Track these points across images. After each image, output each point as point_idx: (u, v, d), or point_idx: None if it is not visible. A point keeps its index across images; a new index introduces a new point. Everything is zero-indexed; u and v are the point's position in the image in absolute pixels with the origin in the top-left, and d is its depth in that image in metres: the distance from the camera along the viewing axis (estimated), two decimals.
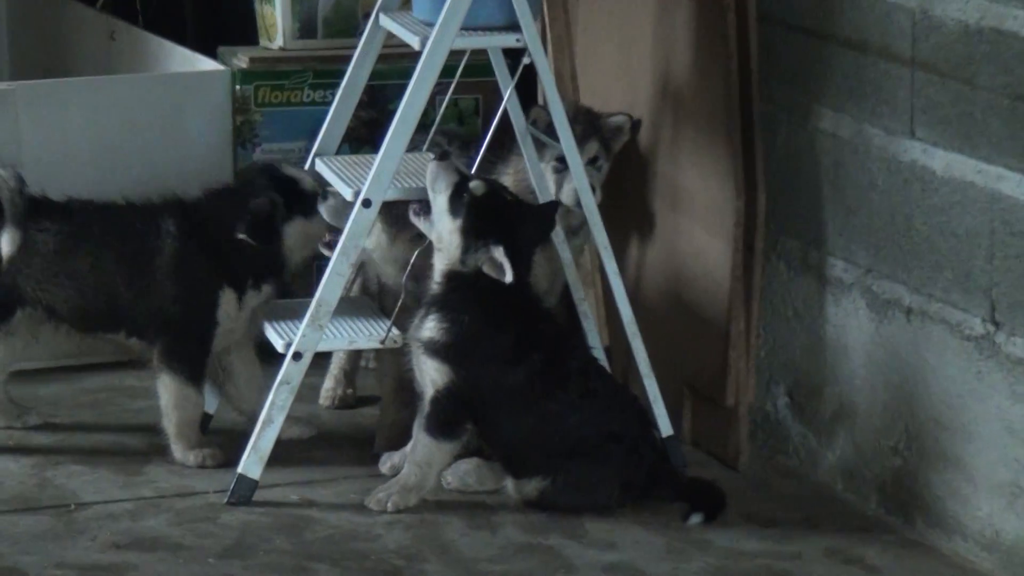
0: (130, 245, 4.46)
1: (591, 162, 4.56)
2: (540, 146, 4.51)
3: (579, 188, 4.47)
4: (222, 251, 4.42)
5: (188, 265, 4.43)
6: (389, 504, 4.18)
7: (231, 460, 4.38)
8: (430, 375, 4.11)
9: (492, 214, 4.11)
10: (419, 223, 4.20)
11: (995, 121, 3.98)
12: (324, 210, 4.36)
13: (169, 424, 4.41)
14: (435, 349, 4.09)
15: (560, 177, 4.54)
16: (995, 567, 4.05)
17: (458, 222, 4.07)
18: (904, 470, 4.22)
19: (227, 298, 4.39)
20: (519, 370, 4.12)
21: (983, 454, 4.10)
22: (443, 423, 4.12)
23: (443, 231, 4.09)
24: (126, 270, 4.42)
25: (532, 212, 4.28)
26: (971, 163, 4.04)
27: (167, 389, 4.40)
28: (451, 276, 4.12)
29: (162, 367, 4.43)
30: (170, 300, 4.41)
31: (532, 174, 4.63)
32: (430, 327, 4.10)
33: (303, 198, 4.41)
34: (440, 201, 4.08)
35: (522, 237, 4.17)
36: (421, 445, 4.16)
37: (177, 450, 4.40)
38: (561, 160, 4.46)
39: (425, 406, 4.16)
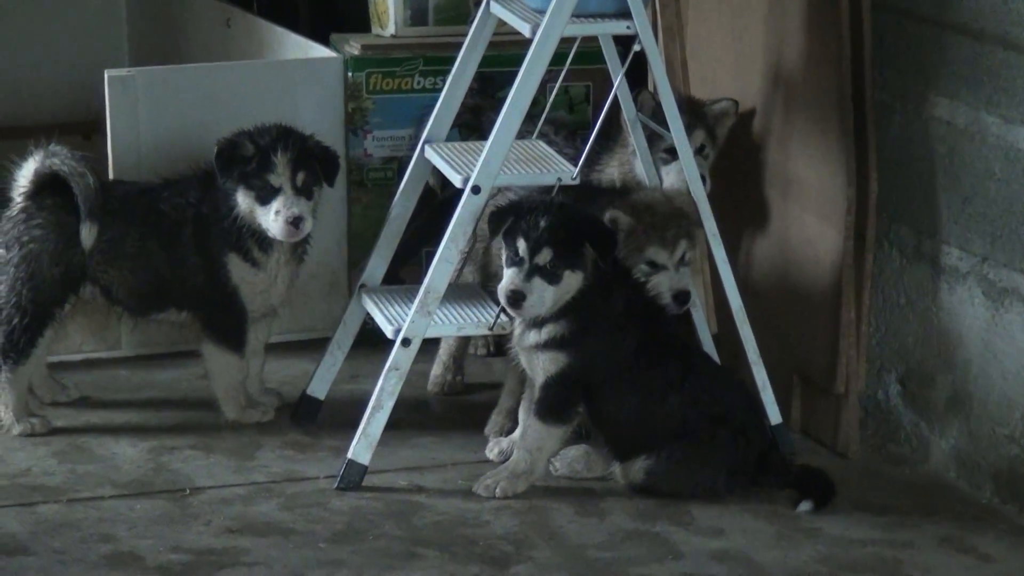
0: (166, 221, 4.53)
1: (698, 151, 4.54)
2: (649, 136, 4.52)
3: (689, 177, 4.42)
4: (222, 216, 4.44)
5: (201, 233, 4.49)
6: (498, 490, 4.14)
7: (282, 453, 4.42)
8: (543, 365, 4.07)
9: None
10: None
11: None
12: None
13: (217, 389, 4.50)
14: (550, 343, 4.07)
15: (668, 168, 4.55)
16: None
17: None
18: (1020, 458, 4.20)
19: (235, 262, 4.42)
20: (626, 343, 4.10)
21: None
22: (554, 408, 4.09)
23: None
24: (165, 246, 4.43)
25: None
26: None
27: (209, 356, 4.49)
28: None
29: (203, 335, 4.51)
30: (198, 270, 4.48)
31: (642, 162, 4.61)
32: (548, 330, 4.07)
33: (250, 168, 4.36)
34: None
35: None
36: (532, 431, 4.12)
37: (228, 412, 4.50)
38: (668, 151, 4.48)
39: (536, 392, 4.11)
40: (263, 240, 4.42)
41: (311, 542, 4.02)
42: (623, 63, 4.45)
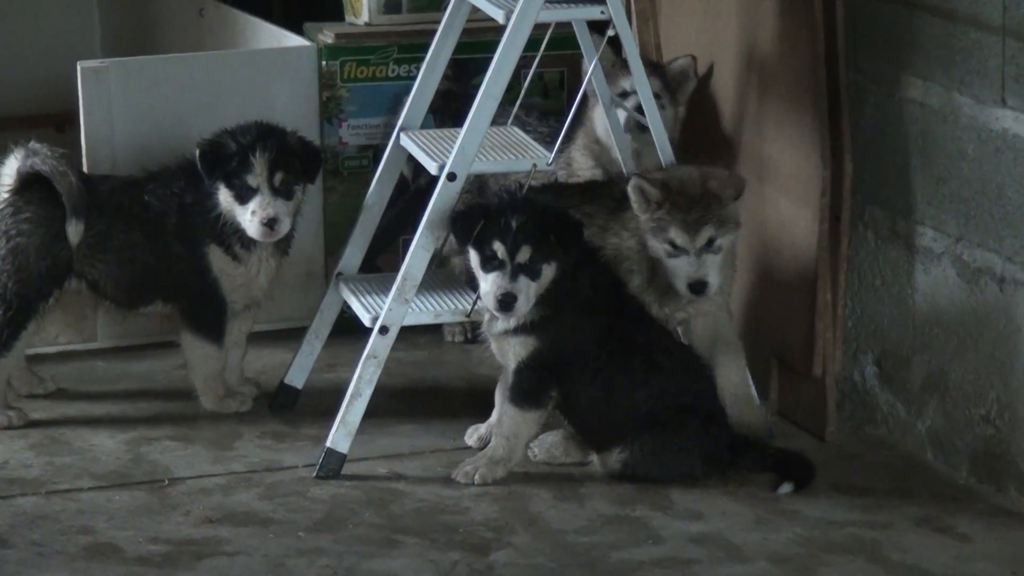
0: (151, 212, 4.53)
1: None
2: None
3: (664, 158, 4.43)
4: (206, 209, 4.43)
5: (184, 223, 4.49)
6: (476, 477, 4.16)
7: (261, 443, 4.41)
8: (513, 350, 4.09)
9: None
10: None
11: None
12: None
13: (195, 379, 4.51)
14: (518, 328, 4.08)
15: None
16: None
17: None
18: (996, 439, 4.19)
19: (216, 255, 4.41)
20: (593, 325, 4.12)
21: None
22: (528, 392, 4.11)
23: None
24: (150, 237, 4.44)
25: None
26: None
27: (188, 346, 4.49)
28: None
29: (182, 325, 4.51)
30: (180, 259, 4.47)
31: (617, 144, 4.61)
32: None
33: (232, 167, 4.36)
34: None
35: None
36: (507, 417, 4.14)
37: (206, 402, 4.51)
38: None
39: (509, 378, 4.13)
40: (245, 236, 4.42)
41: (291, 531, 4.03)
42: (597, 49, 4.43)
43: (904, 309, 4.45)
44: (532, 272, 4.09)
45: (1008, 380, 4.14)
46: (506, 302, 4.08)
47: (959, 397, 4.24)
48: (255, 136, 4.40)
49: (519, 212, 4.14)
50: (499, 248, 4.08)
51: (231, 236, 4.43)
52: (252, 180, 4.34)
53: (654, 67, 4.62)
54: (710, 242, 4.18)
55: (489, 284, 4.09)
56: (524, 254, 4.08)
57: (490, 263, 4.10)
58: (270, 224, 4.34)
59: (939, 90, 4.32)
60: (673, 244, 4.33)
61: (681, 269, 4.21)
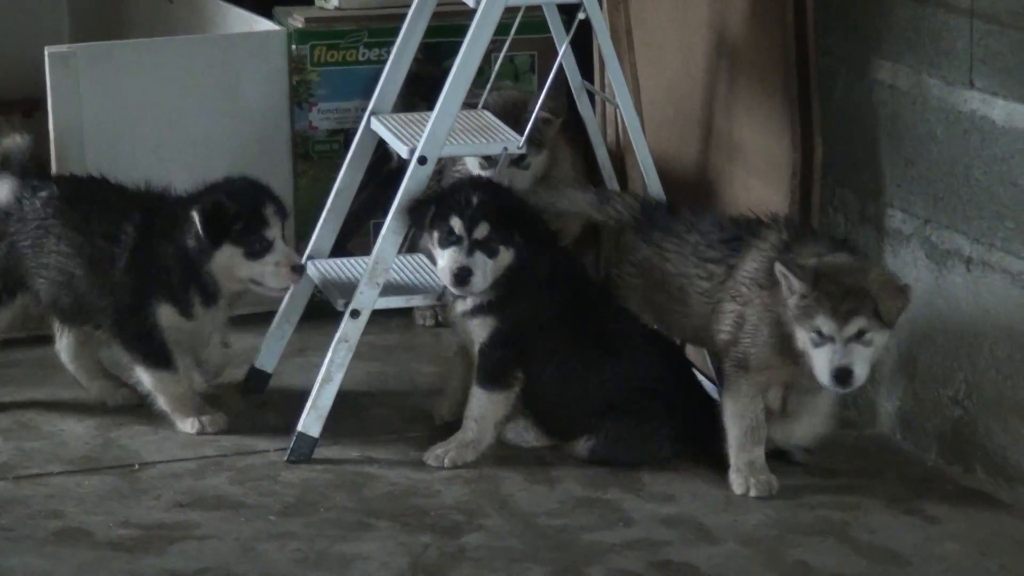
0: (99, 234, 4.39)
1: (516, 163, 4.55)
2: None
3: (635, 141, 4.44)
4: (163, 262, 4.32)
5: (135, 270, 4.34)
6: (447, 460, 4.18)
7: (232, 427, 4.39)
8: (475, 332, 4.13)
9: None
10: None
11: None
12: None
13: (163, 404, 4.36)
14: (476, 310, 4.11)
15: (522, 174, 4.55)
16: None
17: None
18: (964, 420, 4.22)
19: (166, 312, 4.30)
20: (551, 305, 4.14)
21: None
22: (493, 373, 4.14)
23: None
24: (89, 259, 4.36)
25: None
26: None
27: (142, 375, 4.35)
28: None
29: (129, 359, 4.37)
30: (121, 301, 4.31)
31: (591, 135, 4.62)
32: (474, 297, 4.12)
33: (240, 226, 4.26)
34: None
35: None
36: (475, 399, 4.17)
37: (177, 422, 4.36)
38: (487, 159, 4.51)
39: (475, 361, 4.17)
40: (208, 293, 4.31)
41: (262, 515, 4.05)
42: (568, 32, 4.44)
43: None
44: (490, 250, 4.08)
45: (976, 361, 4.16)
46: (462, 276, 4.09)
47: (927, 379, 4.26)
48: (260, 193, 4.31)
49: (480, 190, 4.17)
50: (456, 223, 4.10)
51: (193, 294, 4.31)
52: (269, 234, 4.24)
53: (516, 120, 4.48)
54: (860, 334, 3.94)
55: (446, 259, 4.11)
56: (482, 230, 4.09)
57: (448, 239, 4.12)
58: (298, 269, 4.29)
59: (908, 72, 4.33)
60: (819, 332, 4.10)
61: (823, 357, 3.96)
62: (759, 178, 4.48)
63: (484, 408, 4.19)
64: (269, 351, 4.64)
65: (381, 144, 4.63)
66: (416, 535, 3.99)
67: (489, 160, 4.56)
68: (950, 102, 4.19)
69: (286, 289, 4.40)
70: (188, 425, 4.34)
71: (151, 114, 4.95)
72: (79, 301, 4.39)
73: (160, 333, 4.31)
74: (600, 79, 4.91)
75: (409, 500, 4.13)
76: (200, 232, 4.24)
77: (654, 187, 4.46)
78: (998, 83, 4.07)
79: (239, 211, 4.26)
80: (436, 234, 4.09)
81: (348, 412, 4.47)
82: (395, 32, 4.62)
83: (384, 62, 4.68)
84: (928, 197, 4.30)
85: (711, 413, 4.21)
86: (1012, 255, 4.10)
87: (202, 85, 4.96)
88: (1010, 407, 4.14)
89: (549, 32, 4.57)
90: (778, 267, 3.99)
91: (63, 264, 4.31)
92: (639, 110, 4.70)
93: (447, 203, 4.09)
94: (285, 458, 4.31)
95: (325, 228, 4.63)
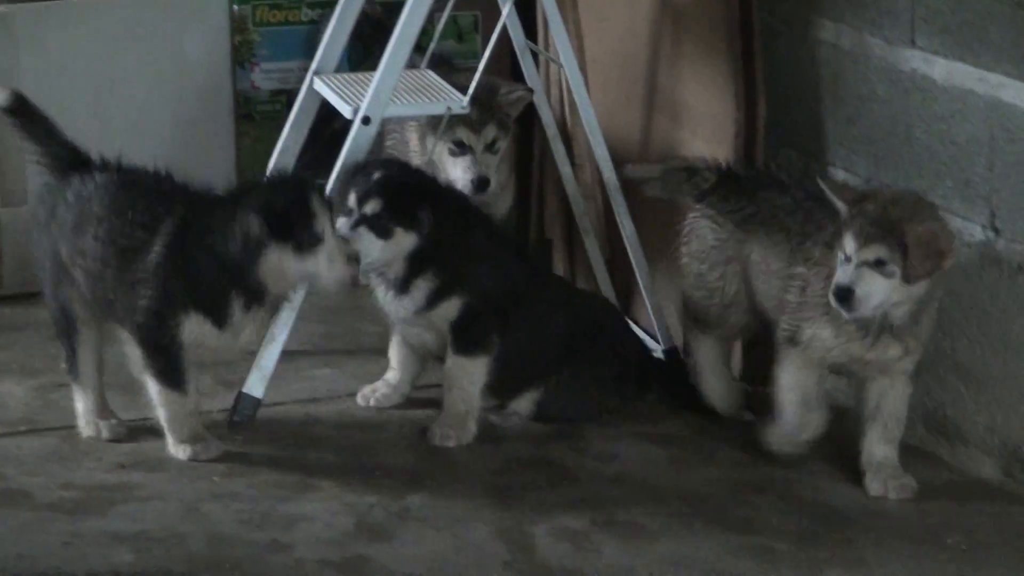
0: (138, 224, 4.11)
1: (488, 147, 4.44)
2: (435, 123, 4.38)
3: (579, 101, 4.45)
4: (200, 265, 4.03)
5: (168, 269, 4.06)
6: (452, 441, 4.16)
7: (225, 454, 4.18)
8: (441, 319, 4.11)
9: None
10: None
11: (995, 29, 3.99)
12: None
13: (160, 418, 4.13)
14: (432, 299, 4.09)
15: (455, 161, 4.42)
16: (996, 473, 4.05)
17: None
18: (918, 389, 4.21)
19: (195, 322, 4.00)
20: (500, 270, 4.16)
21: (985, 361, 4.14)
22: (473, 339, 4.15)
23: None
24: (123, 251, 4.09)
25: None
26: (972, 71, 4.06)
27: (150, 389, 4.10)
28: (412, 254, 4.10)
29: (142, 368, 4.12)
30: (149, 304, 4.04)
31: (536, 104, 4.60)
32: (421, 289, 4.09)
33: (292, 225, 3.97)
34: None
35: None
36: (456, 369, 4.17)
37: (169, 444, 4.11)
38: (457, 144, 4.37)
39: (449, 337, 4.16)
40: (250, 299, 3.99)
41: (205, 475, 4.07)
42: None
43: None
44: (381, 229, 4.03)
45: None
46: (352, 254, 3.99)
47: None
48: (301, 186, 4.03)
49: (383, 169, 4.12)
50: (351, 198, 4.06)
51: (234, 299, 3.99)
52: (317, 227, 3.95)
53: (487, 106, 4.41)
54: (879, 263, 3.75)
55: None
56: (373, 206, 4.03)
57: (344, 212, 4.06)
58: (355, 258, 4.02)
59: (850, 32, 4.34)
60: (844, 254, 3.98)
61: (836, 275, 3.82)
62: (703, 138, 4.50)
63: (468, 375, 4.20)
64: (259, 378, 4.44)
65: (325, 104, 4.57)
66: (361, 495, 4.00)
67: (458, 145, 4.43)
68: (891, 61, 4.20)
69: (344, 282, 4.05)
70: (181, 451, 4.10)
71: (90, 74, 4.94)
72: (107, 295, 4.12)
73: (180, 349, 4.03)
74: (544, 39, 4.89)
75: (354, 461, 4.16)
76: (258, 234, 3.96)
77: (599, 147, 4.46)
78: (939, 42, 4.10)
79: (288, 208, 3.98)
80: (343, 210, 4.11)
81: (292, 373, 4.48)
82: None
83: (327, 21, 4.60)
84: (870, 156, 4.32)
85: (651, 365, 4.28)
86: (951, 213, 4.12)
87: (142, 45, 4.96)
88: (948, 366, 4.17)
89: None
90: (820, 183, 3.91)
91: (98, 252, 4.03)
92: (583, 70, 4.70)
93: (353, 178, 4.11)
94: (229, 419, 4.25)
95: None
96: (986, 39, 4.01)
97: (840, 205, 3.83)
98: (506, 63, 4.81)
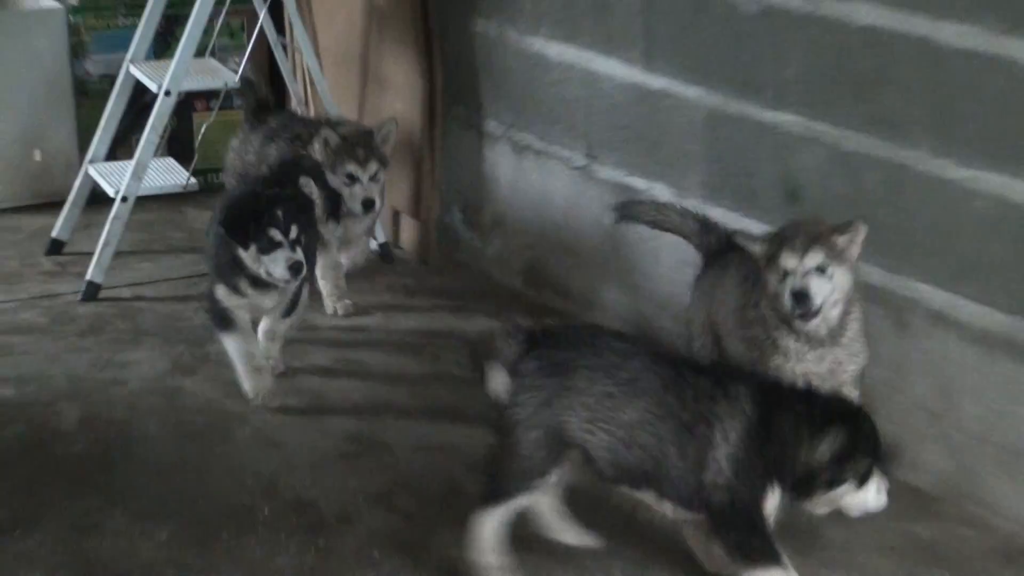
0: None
1: (372, 178, 4.14)
2: (332, 163, 4.10)
3: (316, 78, 4.49)
4: (219, 261, 3.70)
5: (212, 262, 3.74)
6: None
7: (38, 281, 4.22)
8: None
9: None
10: None
11: (587, 19, 4.04)
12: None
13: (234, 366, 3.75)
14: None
15: (352, 190, 4.12)
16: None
17: None
18: (535, 258, 4.37)
19: (220, 290, 3.68)
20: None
21: (588, 246, 4.17)
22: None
23: None
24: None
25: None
26: (573, 50, 4.09)
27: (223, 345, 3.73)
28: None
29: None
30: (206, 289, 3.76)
31: (283, 71, 4.62)
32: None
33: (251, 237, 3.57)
34: None
35: None
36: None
37: (247, 389, 3.70)
38: (349, 177, 4.11)
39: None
40: (259, 278, 3.62)
41: (64, 336, 4.09)
42: (265, 3, 4.56)
43: (477, 174, 4.49)
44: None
45: (544, 217, 4.29)
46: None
47: (512, 232, 4.41)
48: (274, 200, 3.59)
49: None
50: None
51: (228, 275, 3.65)
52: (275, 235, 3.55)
53: (370, 146, 4.14)
54: (820, 268, 3.10)
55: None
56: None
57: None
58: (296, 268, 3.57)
59: (495, 25, 4.34)
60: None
61: (784, 290, 3.11)
62: (401, 101, 4.55)
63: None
64: (63, 227, 4.66)
65: (138, 83, 4.60)
66: (175, 346, 4.02)
67: (350, 177, 4.10)
68: (522, 46, 4.24)
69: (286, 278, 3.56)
70: (247, 387, 3.69)
71: None
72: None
73: (223, 308, 3.66)
74: (290, 34, 4.87)
75: (169, 323, 4.17)
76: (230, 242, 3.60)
77: (332, 108, 4.49)
78: (553, 31, 4.13)
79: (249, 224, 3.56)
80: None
81: (123, 266, 4.49)
82: (143, 4, 4.61)
83: (136, 26, 4.65)
84: (511, 110, 4.34)
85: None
86: (562, 147, 4.17)
87: (3, 48, 4.87)
88: (565, 249, 4.24)
89: (252, 4, 4.58)
90: (735, 236, 3.26)
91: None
92: (318, 55, 4.72)
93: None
94: (79, 299, 4.29)
95: (100, 142, 4.66)
96: (583, 27, 4.03)
97: (756, 248, 3.16)
98: (265, 53, 4.83)
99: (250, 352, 3.69)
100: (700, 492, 2.82)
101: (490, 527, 2.90)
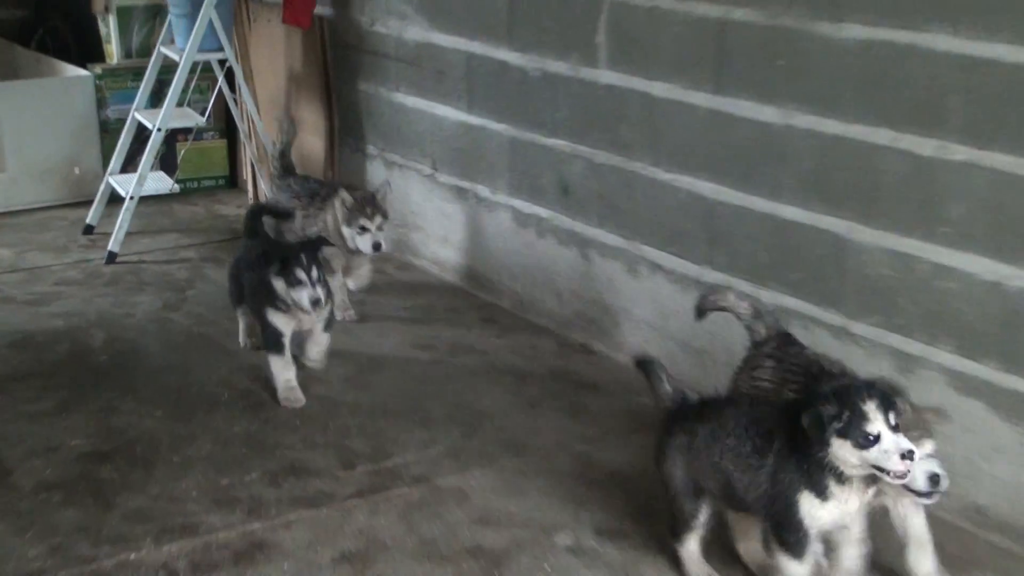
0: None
1: (378, 228, 3.96)
2: (347, 217, 3.92)
3: (255, 119, 4.62)
4: (253, 291, 3.58)
5: (250, 295, 3.60)
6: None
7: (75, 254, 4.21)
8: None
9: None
10: None
11: (429, 82, 4.10)
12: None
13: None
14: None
15: (362, 239, 3.95)
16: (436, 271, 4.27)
17: None
18: (399, 235, 4.40)
19: (271, 312, 3.49)
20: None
21: (430, 233, 4.32)
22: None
23: None
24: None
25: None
26: (423, 101, 4.23)
27: (267, 361, 3.50)
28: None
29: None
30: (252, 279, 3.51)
31: (237, 122, 4.74)
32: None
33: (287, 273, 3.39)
34: None
35: None
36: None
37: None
38: (362, 228, 3.93)
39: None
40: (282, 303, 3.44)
41: (94, 287, 4.31)
42: (222, 70, 4.76)
43: (362, 182, 4.58)
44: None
45: (408, 210, 4.33)
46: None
47: (392, 222, 4.12)
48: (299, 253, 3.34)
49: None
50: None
51: (269, 306, 3.46)
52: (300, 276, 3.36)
53: (378, 207, 3.94)
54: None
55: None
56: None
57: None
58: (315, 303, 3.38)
59: (372, 85, 4.47)
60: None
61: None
62: (315, 136, 4.69)
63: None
64: (93, 216, 4.83)
65: (140, 124, 4.76)
66: (165, 292, 4.21)
67: (363, 229, 3.90)
68: (390, 98, 4.35)
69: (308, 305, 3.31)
70: (281, 396, 3.48)
71: (12, 136, 4.90)
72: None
73: (271, 325, 3.47)
74: (239, 92, 4.83)
75: (161, 278, 4.36)
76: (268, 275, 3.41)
77: (271, 148, 4.40)
78: (409, 89, 4.20)
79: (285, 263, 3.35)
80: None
81: (132, 241, 4.63)
82: (143, 72, 4.87)
83: (139, 87, 4.89)
84: (383, 139, 4.49)
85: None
86: (414, 161, 4.33)
87: (49, 106, 5.05)
88: (420, 231, 4.29)
89: (213, 72, 4.78)
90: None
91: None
92: (257, 106, 4.84)
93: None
94: (104, 262, 4.50)
95: (116, 161, 4.89)
96: (428, 87, 4.06)
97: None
98: (222, 104, 4.97)
99: (288, 376, 3.43)
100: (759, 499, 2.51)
101: (688, 552, 2.63)
